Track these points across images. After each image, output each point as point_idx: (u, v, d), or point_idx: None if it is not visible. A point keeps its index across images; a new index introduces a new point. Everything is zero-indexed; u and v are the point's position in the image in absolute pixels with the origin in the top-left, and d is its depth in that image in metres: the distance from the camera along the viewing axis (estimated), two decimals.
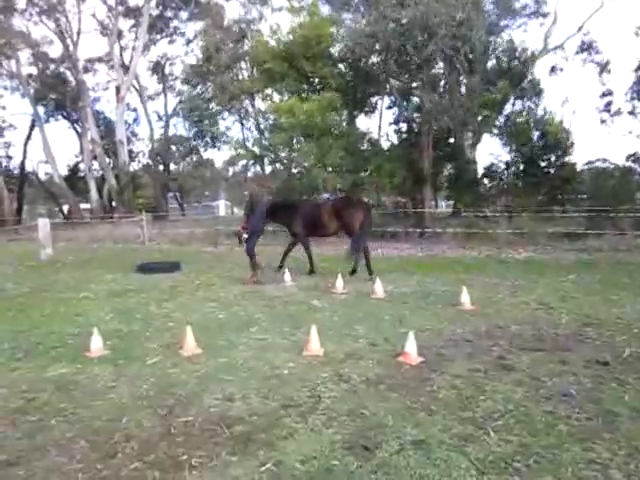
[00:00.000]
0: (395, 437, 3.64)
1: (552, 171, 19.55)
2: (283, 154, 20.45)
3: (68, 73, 32.22)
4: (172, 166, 32.02)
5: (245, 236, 9.98)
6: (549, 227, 15.55)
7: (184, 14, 31.44)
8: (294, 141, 19.43)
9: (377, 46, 16.19)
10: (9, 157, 36.16)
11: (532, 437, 3.59)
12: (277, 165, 21.94)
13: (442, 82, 18.30)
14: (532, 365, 5.00)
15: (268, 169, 22.88)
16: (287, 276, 10.13)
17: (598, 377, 4.65)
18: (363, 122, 51.10)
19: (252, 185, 11.42)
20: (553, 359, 5.15)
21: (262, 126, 22.45)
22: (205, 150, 27.82)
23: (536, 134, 20.04)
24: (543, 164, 19.72)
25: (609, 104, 21.10)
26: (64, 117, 35.37)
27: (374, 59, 17.35)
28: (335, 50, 19.76)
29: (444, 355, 5.39)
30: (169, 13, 32.32)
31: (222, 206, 43.99)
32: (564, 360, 5.10)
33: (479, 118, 19.58)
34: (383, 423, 3.86)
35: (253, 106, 22.35)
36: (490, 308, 7.48)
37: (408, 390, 4.47)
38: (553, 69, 21.06)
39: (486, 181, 21.78)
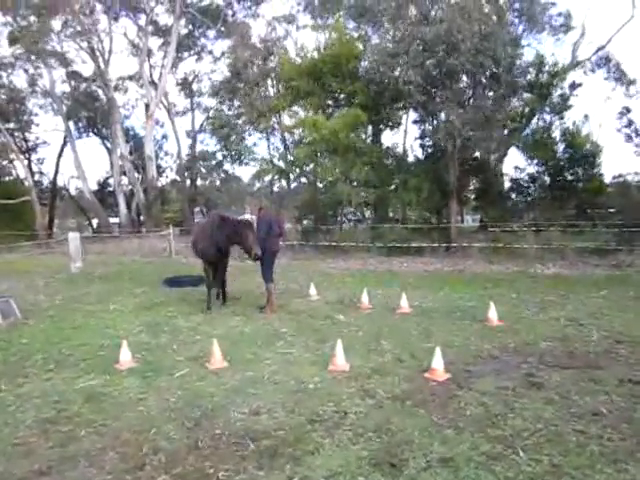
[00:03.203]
0: (422, 454, 3.62)
1: (580, 185, 19.27)
2: (308, 168, 20.58)
3: (99, 91, 33.01)
4: (199, 181, 32.44)
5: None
6: (578, 242, 15.26)
7: (211, 32, 32.08)
8: (318, 155, 19.54)
9: (401, 63, 16.26)
10: (42, 173, 37.22)
11: (563, 457, 3.53)
12: (302, 179, 22.08)
13: (467, 97, 18.23)
14: (562, 383, 4.91)
15: (294, 184, 23.03)
16: (312, 290, 10.15)
17: (631, 396, 4.53)
18: (388, 137, 50.96)
19: (251, 200, 10.68)
20: (584, 377, 5.04)
21: (288, 141, 22.67)
22: (232, 166, 28.22)
23: (562, 147, 19.82)
24: (570, 177, 19.45)
25: (631, 123, 20.41)
26: (95, 134, 36.22)
27: (399, 74, 17.40)
28: (362, 66, 19.90)
29: (471, 372, 5.33)
30: (197, 32, 33.04)
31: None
32: (595, 378, 4.99)
33: (505, 132, 19.43)
34: (410, 440, 3.84)
35: (279, 123, 22.58)
36: (518, 324, 7.37)
37: (435, 407, 4.43)
38: (573, 85, 20.75)
39: (513, 195, 21.56)
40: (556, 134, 20.29)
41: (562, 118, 20.18)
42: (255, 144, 24.05)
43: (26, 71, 30.44)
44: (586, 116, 20.33)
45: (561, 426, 3.98)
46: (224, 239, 8.89)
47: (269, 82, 22.93)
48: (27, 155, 34.68)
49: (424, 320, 7.80)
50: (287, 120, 22.97)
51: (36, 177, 35.12)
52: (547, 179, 20.10)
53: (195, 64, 39.03)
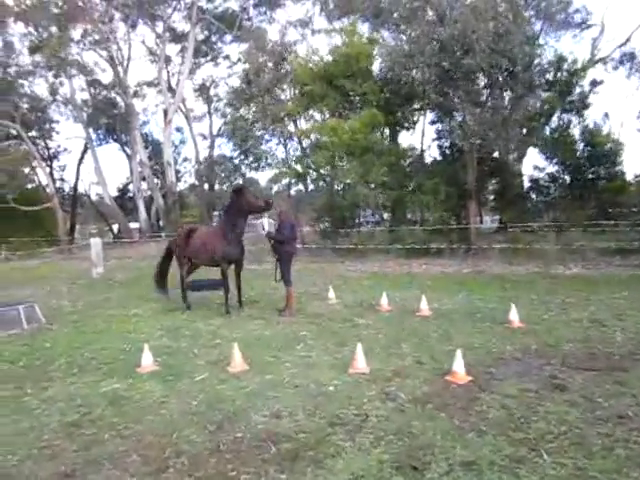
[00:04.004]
0: (444, 457, 3.59)
1: (601, 184, 18.97)
2: (325, 172, 20.59)
3: (118, 98, 33.56)
4: (217, 185, 32.70)
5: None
6: (599, 242, 15.01)
7: (228, 37, 32.39)
8: (336, 159, 19.55)
9: (417, 63, 16.22)
10: (63, 179, 37.96)
11: (588, 460, 3.47)
12: (320, 183, 22.08)
13: (484, 96, 18.11)
14: (586, 385, 4.83)
15: (311, 187, 23.04)
16: (331, 293, 10.14)
17: None
18: (405, 138, 50.81)
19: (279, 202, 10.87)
20: (608, 379, 4.96)
21: (304, 144, 22.68)
22: (249, 170, 28.35)
23: (582, 146, 19.54)
24: (591, 176, 19.16)
25: None
26: (114, 140, 36.80)
27: (414, 75, 17.36)
28: (375, 68, 19.90)
29: (493, 374, 5.27)
30: (214, 37, 33.38)
31: (265, 224, 44.40)
32: (620, 381, 4.90)
33: (524, 131, 19.25)
34: (432, 443, 3.81)
35: (296, 126, 22.64)
36: (540, 326, 7.28)
37: (457, 410, 4.40)
38: (594, 82, 20.50)
39: (533, 195, 21.32)
40: (576, 133, 20.04)
41: (582, 116, 19.91)
42: (272, 148, 24.09)
43: (47, 80, 31.05)
44: (606, 114, 19.99)
45: (586, 429, 3.92)
46: (234, 221, 9.20)
47: (284, 86, 23.00)
48: (49, 162, 35.33)
49: (444, 322, 7.75)
50: (303, 124, 23.02)
51: (57, 184, 35.75)
52: (567, 178, 19.83)
53: (212, 69, 39.48)
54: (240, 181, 27.37)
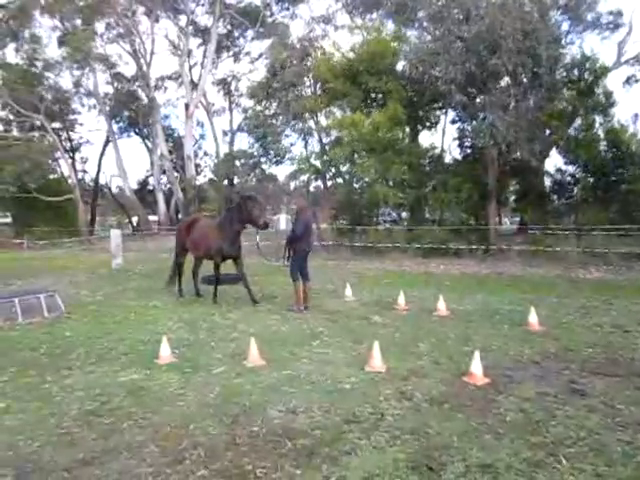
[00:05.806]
0: (461, 459, 3.57)
1: (626, 186, 18.59)
2: (344, 168, 20.55)
3: (140, 91, 33.86)
4: (236, 180, 32.80)
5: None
6: (623, 246, 14.76)
7: (250, 32, 32.44)
8: (355, 156, 19.51)
9: (441, 62, 16.09)
10: (85, 171, 38.37)
11: (608, 467, 3.42)
12: (338, 180, 22.05)
13: (509, 98, 17.86)
14: (606, 391, 4.76)
15: (329, 183, 22.99)
16: (348, 291, 10.13)
17: None
18: (426, 137, 50.35)
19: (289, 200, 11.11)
20: (629, 385, 4.89)
21: (324, 141, 22.64)
22: (269, 166, 28.45)
23: (607, 147, 19.17)
24: (615, 178, 18.79)
25: None
26: (136, 133, 37.09)
27: (438, 74, 17.21)
28: (399, 65, 19.80)
29: (511, 377, 5.22)
30: (236, 32, 33.48)
31: (283, 220, 44.47)
32: None
33: (547, 132, 18.97)
34: (448, 444, 3.79)
35: (316, 123, 22.62)
36: (559, 329, 7.19)
37: (473, 411, 4.37)
38: (628, 80, 20.10)
39: (554, 197, 21.01)
40: (600, 133, 19.65)
41: (607, 116, 19.54)
42: (292, 144, 24.09)
43: (71, 72, 31.40)
44: (636, 114, 19.50)
45: (605, 435, 3.86)
46: (234, 221, 9.52)
47: (306, 82, 22.98)
48: (71, 154, 35.71)
49: (462, 323, 7.70)
50: (324, 120, 23.00)
51: (79, 175, 36.13)
52: (590, 180, 19.48)
53: (233, 65, 39.61)
54: (260, 175, 27.48)
